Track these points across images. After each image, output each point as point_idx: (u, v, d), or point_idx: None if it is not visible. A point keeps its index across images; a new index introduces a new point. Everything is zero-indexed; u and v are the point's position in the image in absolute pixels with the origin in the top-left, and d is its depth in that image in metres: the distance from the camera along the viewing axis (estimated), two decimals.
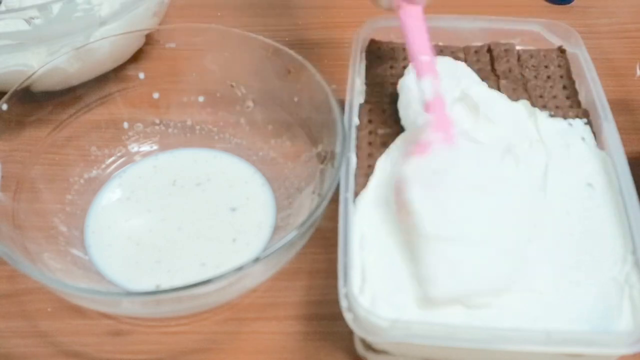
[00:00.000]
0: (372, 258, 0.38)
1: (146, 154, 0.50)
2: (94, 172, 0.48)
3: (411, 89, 0.44)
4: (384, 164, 0.43)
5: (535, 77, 0.49)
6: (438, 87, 0.42)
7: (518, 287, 0.37)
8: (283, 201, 0.47)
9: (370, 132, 0.45)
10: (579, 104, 0.47)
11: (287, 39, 0.60)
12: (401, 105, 0.45)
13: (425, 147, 0.41)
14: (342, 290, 0.36)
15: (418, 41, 0.42)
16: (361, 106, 0.47)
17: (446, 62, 0.47)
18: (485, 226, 0.38)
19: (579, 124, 0.45)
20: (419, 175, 0.39)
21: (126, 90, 0.50)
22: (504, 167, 0.41)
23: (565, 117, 0.46)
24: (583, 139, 0.44)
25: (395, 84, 0.48)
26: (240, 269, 0.35)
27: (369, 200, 0.41)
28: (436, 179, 0.39)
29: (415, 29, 0.43)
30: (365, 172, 0.43)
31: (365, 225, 0.40)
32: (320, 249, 0.42)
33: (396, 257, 0.39)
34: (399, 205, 0.40)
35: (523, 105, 0.46)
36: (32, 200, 0.44)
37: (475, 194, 0.39)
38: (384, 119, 0.46)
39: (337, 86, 0.45)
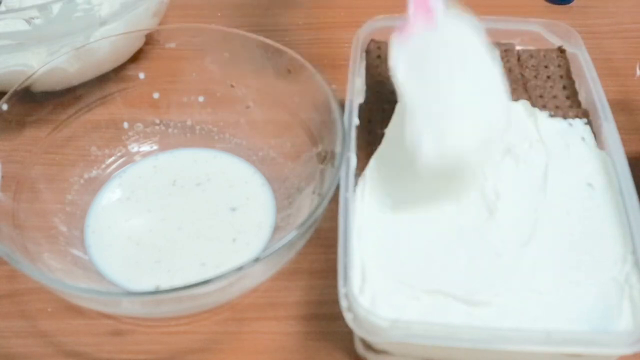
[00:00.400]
0: (372, 255, 0.39)
1: (146, 154, 0.50)
2: (94, 172, 0.48)
3: None
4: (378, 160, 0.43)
5: (535, 77, 0.49)
6: None
7: (518, 287, 0.37)
8: (283, 201, 0.47)
9: (370, 132, 0.45)
10: (579, 104, 0.47)
11: (287, 39, 0.60)
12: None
13: (404, 28, 0.42)
14: (342, 290, 0.36)
15: None
16: (361, 106, 0.47)
17: None
18: (468, 93, 0.40)
19: (579, 124, 0.45)
20: (404, 57, 0.41)
21: (126, 90, 0.50)
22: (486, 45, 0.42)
23: (565, 117, 0.46)
24: (583, 139, 0.44)
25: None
26: (240, 269, 0.35)
27: (367, 194, 0.41)
28: (419, 59, 0.41)
29: None
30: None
31: (365, 222, 0.40)
32: (320, 249, 0.42)
33: (396, 256, 0.39)
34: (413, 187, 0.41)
35: (522, 105, 0.46)
36: (32, 200, 0.44)
37: (457, 69, 0.40)
38: (384, 119, 0.46)
39: (337, 86, 0.45)
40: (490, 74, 0.41)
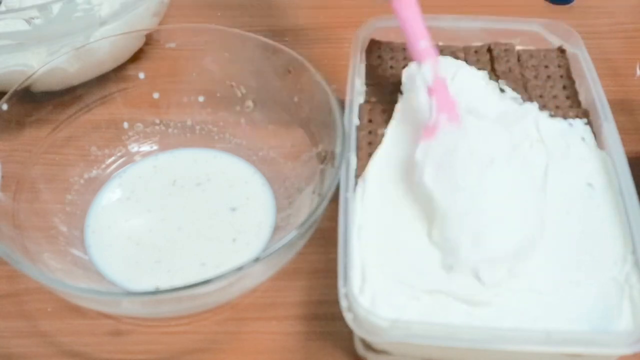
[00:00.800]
0: (372, 255, 0.39)
1: (146, 154, 0.50)
2: (94, 172, 0.48)
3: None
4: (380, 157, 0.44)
5: (535, 77, 0.49)
6: (438, 70, 0.43)
7: (518, 287, 0.37)
8: (283, 201, 0.47)
9: (370, 132, 0.45)
10: (579, 104, 0.47)
11: (287, 39, 0.60)
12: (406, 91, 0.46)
13: (433, 130, 0.42)
14: (342, 290, 0.36)
15: (414, 29, 0.44)
16: (361, 106, 0.47)
17: (447, 62, 0.48)
18: (498, 196, 0.40)
19: (579, 124, 0.45)
20: (430, 159, 0.41)
21: (126, 90, 0.50)
22: (510, 140, 0.43)
23: (565, 117, 0.46)
24: (583, 139, 0.44)
25: (395, 84, 0.48)
26: (240, 269, 0.35)
27: (367, 194, 0.41)
28: (447, 159, 0.41)
29: (410, 17, 0.44)
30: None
31: (365, 222, 0.40)
32: (320, 249, 0.42)
33: (396, 256, 0.39)
34: (413, 190, 0.41)
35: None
36: (32, 200, 0.44)
37: (486, 167, 0.41)
38: (384, 119, 0.46)
39: (337, 86, 0.45)
40: (517, 170, 0.41)
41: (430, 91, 0.43)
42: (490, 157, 0.41)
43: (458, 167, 0.40)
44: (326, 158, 0.43)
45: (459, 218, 0.39)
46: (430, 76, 0.43)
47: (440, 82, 0.43)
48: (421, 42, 0.43)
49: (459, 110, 0.43)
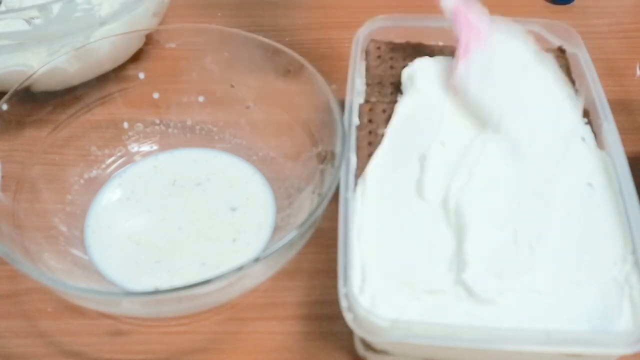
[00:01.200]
0: (372, 255, 0.39)
1: (146, 154, 0.50)
2: (94, 172, 0.48)
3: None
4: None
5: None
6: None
7: (518, 287, 0.37)
8: (283, 201, 0.47)
9: (370, 132, 0.45)
10: None
11: (287, 39, 0.59)
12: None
13: (466, 50, 0.45)
14: (342, 290, 0.36)
15: None
16: (361, 106, 0.47)
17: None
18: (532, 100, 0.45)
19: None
20: (471, 75, 0.45)
21: (126, 90, 0.50)
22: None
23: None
24: (583, 139, 0.44)
25: (395, 84, 0.48)
26: (240, 269, 0.35)
27: (367, 194, 0.41)
28: (486, 71, 0.45)
29: None
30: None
31: (365, 222, 0.40)
32: (320, 249, 0.42)
33: (396, 256, 0.39)
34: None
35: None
36: (32, 200, 0.44)
37: (520, 71, 0.45)
38: (384, 119, 0.46)
39: (337, 86, 0.45)
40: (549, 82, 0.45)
41: (452, 15, 0.46)
42: (521, 64, 0.46)
43: (497, 73, 0.45)
44: (326, 158, 0.43)
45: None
46: (452, 1, 0.46)
47: (461, 5, 0.46)
48: None
49: (484, 29, 0.46)
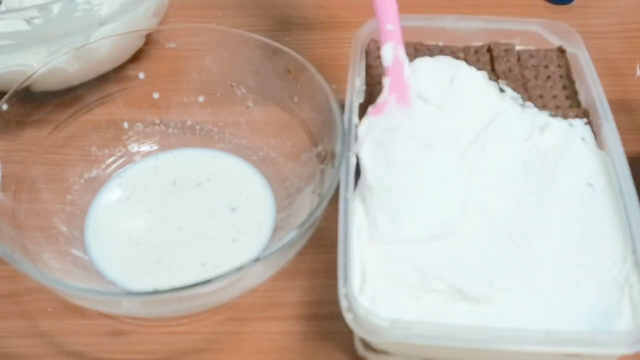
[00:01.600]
0: (372, 255, 0.39)
1: (146, 154, 0.50)
2: (94, 172, 0.48)
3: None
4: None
5: (535, 77, 0.49)
6: (399, 53, 0.45)
7: (518, 286, 0.37)
8: (283, 201, 0.47)
9: None
10: (579, 104, 0.47)
11: (287, 39, 0.60)
12: None
13: (380, 108, 0.44)
14: (342, 290, 0.36)
15: (385, 11, 0.45)
16: (361, 106, 0.47)
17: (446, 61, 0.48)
18: (426, 179, 0.41)
19: (579, 124, 0.45)
20: (372, 134, 0.43)
21: (126, 90, 0.50)
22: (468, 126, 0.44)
23: (565, 117, 0.46)
24: (583, 139, 0.44)
25: None
26: (240, 269, 0.35)
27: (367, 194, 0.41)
28: (387, 137, 0.43)
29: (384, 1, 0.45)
30: None
31: (365, 222, 0.40)
32: (320, 249, 0.42)
33: (396, 256, 0.39)
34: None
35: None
36: (32, 200, 0.44)
37: (421, 150, 0.42)
38: None
39: (337, 86, 0.45)
40: (453, 165, 0.42)
41: (386, 71, 0.44)
42: (428, 141, 0.42)
43: (395, 145, 0.42)
44: (326, 158, 0.43)
45: (383, 194, 0.40)
46: (390, 57, 0.44)
47: (398, 64, 0.44)
48: (388, 25, 0.45)
49: (410, 94, 0.45)
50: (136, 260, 0.44)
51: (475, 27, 0.51)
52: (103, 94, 0.49)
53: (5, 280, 0.44)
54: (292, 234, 0.37)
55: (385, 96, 0.44)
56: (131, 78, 0.50)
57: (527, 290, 0.37)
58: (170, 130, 0.51)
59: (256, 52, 0.48)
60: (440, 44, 0.51)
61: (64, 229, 0.45)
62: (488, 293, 0.37)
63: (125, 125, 0.50)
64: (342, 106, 0.43)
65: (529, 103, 0.46)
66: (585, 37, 0.50)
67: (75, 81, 0.48)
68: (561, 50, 0.50)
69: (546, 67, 0.49)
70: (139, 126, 0.51)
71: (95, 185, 0.48)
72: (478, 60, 0.50)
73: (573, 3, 0.65)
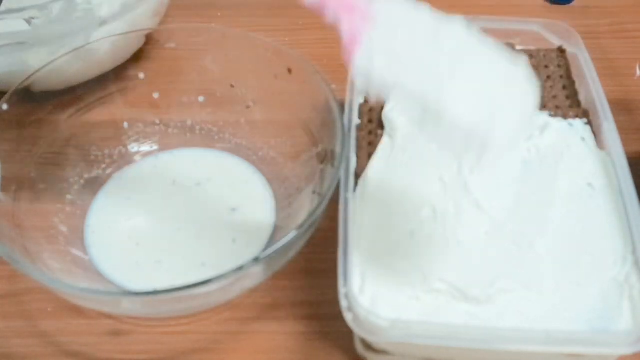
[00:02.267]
0: (372, 255, 0.39)
1: (146, 154, 0.50)
2: (94, 172, 0.48)
3: None
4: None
5: (535, 77, 0.49)
6: None
7: (518, 286, 0.37)
8: (283, 201, 0.47)
9: (370, 132, 0.45)
10: (579, 104, 0.47)
11: (287, 39, 0.60)
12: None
13: (354, 38, 0.37)
14: (342, 290, 0.36)
15: None
16: (361, 106, 0.47)
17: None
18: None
19: (579, 124, 0.45)
20: (375, 62, 0.36)
21: (126, 90, 0.50)
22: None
23: (565, 117, 0.46)
24: (583, 139, 0.44)
25: None
26: (240, 269, 0.35)
27: (369, 193, 0.41)
28: (390, 54, 0.35)
29: None
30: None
31: (364, 222, 0.40)
32: (320, 249, 0.42)
33: (397, 256, 0.39)
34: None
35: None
36: (32, 200, 0.44)
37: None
38: None
39: (337, 86, 0.45)
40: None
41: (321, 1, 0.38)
42: (431, 30, 0.36)
43: (406, 48, 0.35)
44: (326, 158, 0.43)
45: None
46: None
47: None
48: None
49: (365, 4, 0.37)
50: (136, 260, 0.44)
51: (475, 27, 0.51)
52: (103, 94, 0.49)
53: (5, 280, 0.44)
54: (292, 234, 0.37)
55: (346, 23, 0.37)
56: (131, 78, 0.50)
57: (528, 291, 0.37)
58: (170, 130, 0.51)
59: (256, 52, 0.48)
60: None
61: (64, 229, 0.45)
62: (488, 293, 0.37)
63: (125, 125, 0.50)
64: (342, 106, 0.43)
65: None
66: (585, 37, 0.50)
67: (75, 81, 0.48)
68: (561, 50, 0.50)
69: (546, 67, 0.49)
70: (139, 126, 0.51)
71: (95, 185, 0.48)
72: None
73: (573, 3, 0.65)
